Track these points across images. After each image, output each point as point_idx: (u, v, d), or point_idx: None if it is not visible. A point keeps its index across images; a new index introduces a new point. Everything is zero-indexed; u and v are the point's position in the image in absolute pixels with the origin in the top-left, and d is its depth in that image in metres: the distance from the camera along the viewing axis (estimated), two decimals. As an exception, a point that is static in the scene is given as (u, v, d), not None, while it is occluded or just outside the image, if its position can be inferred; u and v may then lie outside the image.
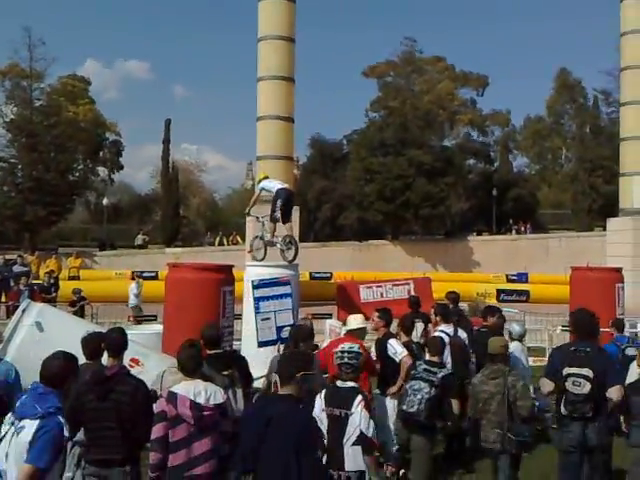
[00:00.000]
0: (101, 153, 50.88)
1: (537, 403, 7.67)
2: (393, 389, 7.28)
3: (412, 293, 11.76)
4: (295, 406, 4.24)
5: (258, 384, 7.13)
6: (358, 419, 5.03)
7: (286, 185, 12.88)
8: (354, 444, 5.01)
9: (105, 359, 5.50)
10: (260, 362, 7.50)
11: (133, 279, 22.34)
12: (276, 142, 27.09)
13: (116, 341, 5.32)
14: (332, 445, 4.96)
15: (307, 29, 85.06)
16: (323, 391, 5.39)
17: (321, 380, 6.23)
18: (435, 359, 6.88)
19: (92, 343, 5.52)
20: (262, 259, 12.45)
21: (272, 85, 27.08)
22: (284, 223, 12.24)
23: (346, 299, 12.05)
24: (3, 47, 71.53)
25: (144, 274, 28.94)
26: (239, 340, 11.57)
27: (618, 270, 13.98)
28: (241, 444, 4.27)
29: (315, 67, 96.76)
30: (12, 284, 20.30)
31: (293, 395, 4.25)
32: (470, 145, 53.19)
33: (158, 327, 11.40)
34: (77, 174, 43.25)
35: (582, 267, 15.24)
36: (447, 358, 7.75)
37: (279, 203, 11.95)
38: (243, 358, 6.49)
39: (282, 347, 7.86)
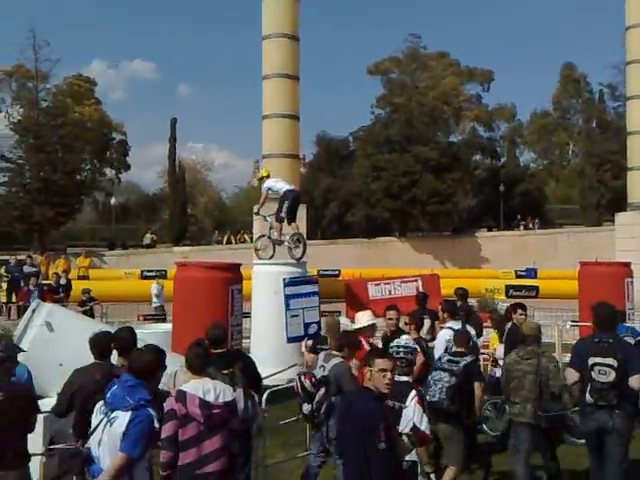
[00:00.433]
0: (108, 153, 50.99)
1: None
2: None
3: (420, 290, 11.72)
4: (365, 396, 4.43)
5: (269, 382, 7.14)
6: (412, 413, 5.27)
7: (293, 186, 12.96)
8: (407, 436, 5.19)
9: (115, 358, 5.52)
10: (270, 361, 7.50)
11: (148, 279, 22.32)
12: (282, 140, 27.07)
13: (125, 340, 5.34)
14: None
15: (311, 27, 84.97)
16: None
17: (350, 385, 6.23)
18: (462, 349, 6.96)
19: (101, 342, 5.53)
20: (270, 257, 12.49)
21: (277, 83, 27.06)
22: (289, 224, 12.30)
23: (354, 297, 12.05)
24: (9, 48, 71.55)
25: (153, 273, 29.14)
26: (248, 338, 11.60)
27: (627, 265, 13.96)
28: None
29: (320, 64, 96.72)
30: (22, 284, 20.41)
31: (369, 388, 4.45)
32: (476, 141, 53.06)
33: (167, 326, 11.44)
34: (84, 174, 43.41)
35: (591, 262, 15.21)
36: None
37: (287, 204, 12.01)
38: (248, 357, 6.48)
39: (310, 343, 7.88)
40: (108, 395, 4.22)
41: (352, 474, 4.35)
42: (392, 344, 6.05)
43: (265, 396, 7.04)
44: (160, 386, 5.29)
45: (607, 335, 6.19)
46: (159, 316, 17.95)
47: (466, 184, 43.90)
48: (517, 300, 11.75)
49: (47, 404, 5.79)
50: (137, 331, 5.71)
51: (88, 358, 5.46)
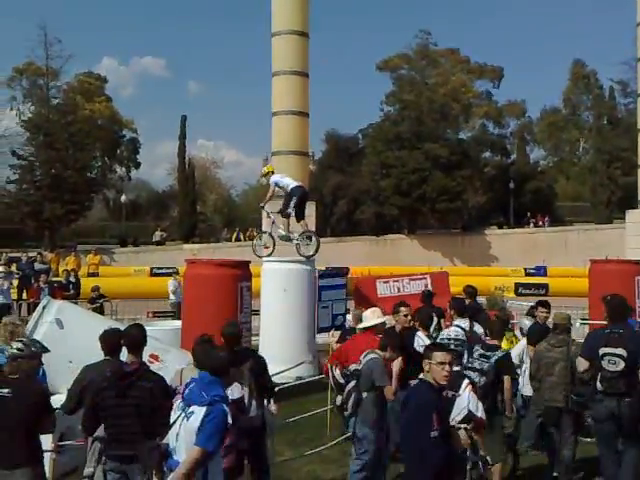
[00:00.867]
0: (118, 150, 51.14)
1: None
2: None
3: (429, 288, 11.70)
4: (423, 388, 4.52)
5: (278, 379, 7.14)
6: (467, 400, 5.50)
7: (300, 183, 12.87)
8: (460, 423, 5.33)
9: (124, 355, 5.54)
10: (279, 358, 7.48)
11: (158, 276, 22.33)
12: (291, 137, 27.09)
13: (135, 337, 5.35)
14: None
15: (321, 24, 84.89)
16: None
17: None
18: (495, 342, 6.84)
19: (110, 339, 5.55)
20: (269, 255, 12.43)
21: (286, 80, 27.09)
22: (298, 221, 12.25)
23: (363, 296, 12.02)
24: (20, 46, 71.83)
25: (162, 270, 29.23)
26: (257, 335, 11.60)
27: (638, 262, 13.85)
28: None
29: (329, 61, 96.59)
30: (33, 281, 20.51)
31: (427, 380, 4.52)
32: (486, 137, 52.85)
33: (177, 323, 11.47)
34: (95, 171, 43.57)
35: (601, 260, 15.12)
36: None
37: (294, 201, 11.95)
38: (259, 357, 6.47)
39: (337, 334, 7.89)
40: (186, 392, 4.35)
41: (408, 463, 4.52)
42: (442, 336, 6.32)
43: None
44: (168, 383, 5.32)
45: (618, 326, 6.40)
46: (169, 313, 18.01)
47: (476, 181, 43.76)
48: (526, 298, 11.74)
49: (57, 400, 5.81)
50: (147, 328, 5.72)
51: (98, 355, 5.48)
